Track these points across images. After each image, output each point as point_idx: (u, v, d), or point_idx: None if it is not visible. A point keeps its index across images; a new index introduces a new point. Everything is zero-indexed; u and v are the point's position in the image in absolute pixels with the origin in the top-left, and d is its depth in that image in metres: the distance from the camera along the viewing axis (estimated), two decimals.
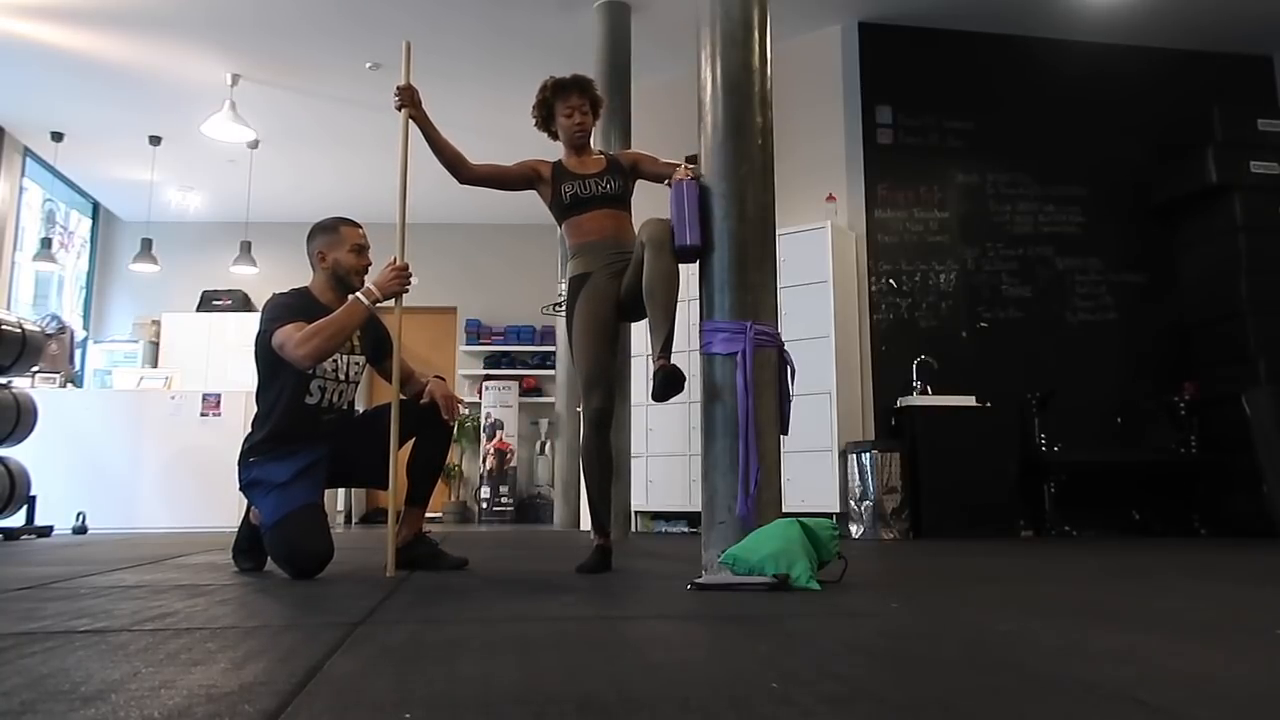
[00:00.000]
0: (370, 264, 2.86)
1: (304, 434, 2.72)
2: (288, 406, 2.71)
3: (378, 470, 2.68)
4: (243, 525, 2.94)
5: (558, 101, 3.05)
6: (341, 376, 2.81)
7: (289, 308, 2.70)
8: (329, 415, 2.79)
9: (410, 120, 2.90)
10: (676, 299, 2.72)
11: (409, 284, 2.71)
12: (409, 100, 2.88)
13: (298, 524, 2.59)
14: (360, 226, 2.90)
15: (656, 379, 2.65)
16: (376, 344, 2.95)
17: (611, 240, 2.96)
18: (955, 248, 6.08)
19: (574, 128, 3.02)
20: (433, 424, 2.85)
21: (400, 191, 2.85)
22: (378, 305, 2.71)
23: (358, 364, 2.87)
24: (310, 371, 2.69)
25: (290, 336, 2.60)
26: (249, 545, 2.88)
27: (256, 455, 2.72)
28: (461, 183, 3.07)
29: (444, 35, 6.31)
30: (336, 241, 2.82)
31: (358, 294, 2.67)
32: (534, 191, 3.12)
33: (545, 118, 3.10)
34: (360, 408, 3.11)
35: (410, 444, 2.87)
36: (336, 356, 2.75)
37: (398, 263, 2.71)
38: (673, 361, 2.67)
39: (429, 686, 1.11)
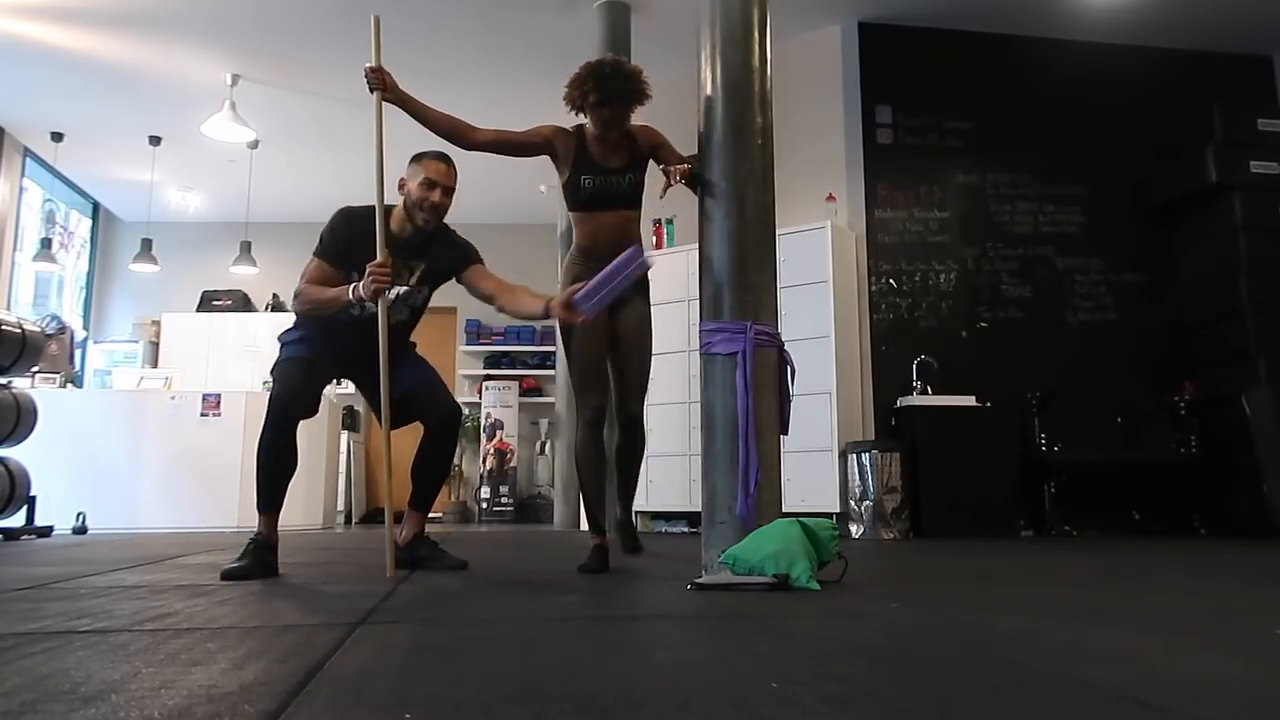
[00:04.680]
0: (440, 203, 2.79)
1: (340, 339, 2.80)
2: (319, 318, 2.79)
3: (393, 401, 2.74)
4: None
5: (595, 110, 2.79)
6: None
7: (336, 238, 2.76)
8: (373, 326, 2.72)
9: (386, 103, 2.74)
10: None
11: (387, 280, 2.63)
12: (380, 83, 2.72)
13: (285, 370, 2.73)
14: (448, 164, 2.83)
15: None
16: (452, 270, 2.89)
17: (622, 247, 2.83)
18: (955, 248, 6.08)
19: (605, 129, 2.82)
20: (443, 428, 2.89)
21: (377, 182, 2.72)
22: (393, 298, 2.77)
23: (406, 292, 2.84)
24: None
25: (302, 282, 2.75)
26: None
27: (286, 335, 2.85)
28: (465, 149, 2.91)
29: (443, 34, 6.31)
30: (415, 171, 2.79)
31: (349, 288, 2.67)
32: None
33: (579, 99, 2.82)
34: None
35: (419, 446, 2.91)
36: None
37: (378, 258, 2.63)
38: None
39: (429, 686, 1.12)
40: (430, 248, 2.86)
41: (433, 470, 2.94)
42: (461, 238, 2.96)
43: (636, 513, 5.95)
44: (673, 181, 2.73)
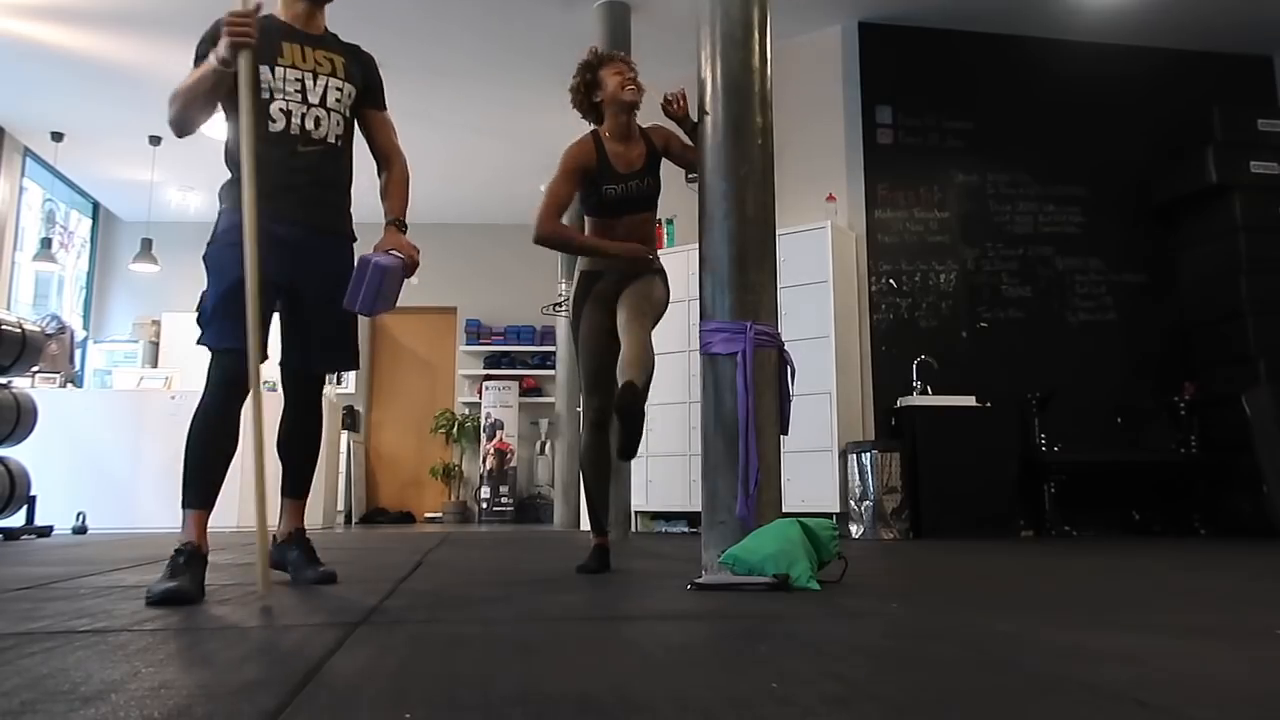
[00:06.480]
0: None
1: (274, 169, 2.29)
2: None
3: (302, 351, 2.37)
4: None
5: (605, 67, 2.87)
6: (313, 99, 2.36)
7: (207, 39, 2.28)
8: (306, 147, 2.35)
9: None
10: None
11: (249, 33, 2.15)
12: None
13: (219, 325, 2.21)
14: None
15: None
16: (369, 86, 2.51)
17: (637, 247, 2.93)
18: (955, 248, 6.08)
19: (627, 89, 2.83)
20: (312, 391, 2.46)
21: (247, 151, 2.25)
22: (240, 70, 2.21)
23: (339, 89, 2.40)
24: (265, 91, 2.30)
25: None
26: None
27: (225, 202, 2.39)
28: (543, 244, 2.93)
29: (443, 34, 6.31)
30: None
31: (210, 57, 2.22)
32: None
33: (589, 87, 2.88)
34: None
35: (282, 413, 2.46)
36: (302, 75, 2.34)
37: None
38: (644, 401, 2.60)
39: (429, 686, 1.11)
40: (343, 47, 2.50)
41: (307, 452, 2.49)
42: (367, 52, 2.57)
43: (636, 512, 5.97)
44: (674, 104, 2.83)
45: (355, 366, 2.52)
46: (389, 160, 2.56)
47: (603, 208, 2.88)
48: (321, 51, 2.42)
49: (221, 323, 2.20)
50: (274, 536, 2.47)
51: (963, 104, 6.25)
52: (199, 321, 2.27)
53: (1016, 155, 6.23)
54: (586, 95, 2.91)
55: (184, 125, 2.35)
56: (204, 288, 2.28)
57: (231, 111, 2.32)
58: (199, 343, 2.25)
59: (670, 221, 6.10)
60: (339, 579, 2.41)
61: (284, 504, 2.49)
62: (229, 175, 2.41)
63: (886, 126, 6.14)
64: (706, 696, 1.05)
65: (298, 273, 2.32)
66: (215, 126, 2.54)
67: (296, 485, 2.50)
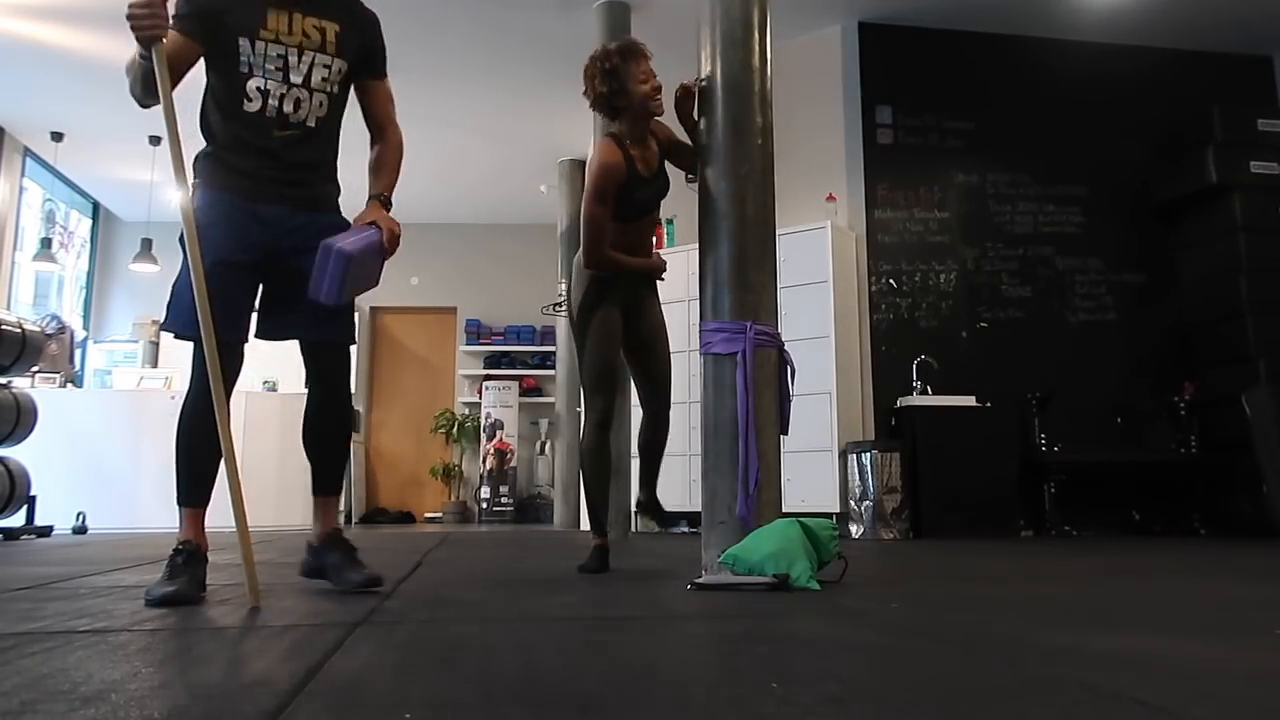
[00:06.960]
0: None
1: (249, 152, 2.15)
2: (220, 117, 2.15)
3: (285, 320, 2.20)
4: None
5: (631, 65, 2.74)
6: (296, 78, 2.16)
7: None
8: (282, 131, 2.18)
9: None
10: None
11: (159, 21, 1.93)
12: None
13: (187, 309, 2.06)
14: None
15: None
16: (367, 55, 2.32)
17: (645, 247, 2.98)
18: (955, 248, 6.08)
19: (654, 94, 2.76)
20: (328, 372, 2.27)
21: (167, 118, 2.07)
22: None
23: (327, 66, 2.21)
24: (244, 66, 2.11)
25: None
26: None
27: (199, 175, 2.18)
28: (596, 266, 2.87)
29: (443, 35, 6.30)
30: None
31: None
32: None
33: (615, 90, 2.74)
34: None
35: (307, 401, 2.29)
36: (285, 50, 2.14)
37: None
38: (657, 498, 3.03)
39: (429, 686, 1.12)
40: (340, 11, 2.25)
41: (329, 433, 2.31)
42: (369, 10, 2.33)
43: (636, 513, 5.95)
44: (693, 89, 2.80)
45: (353, 340, 2.34)
46: (384, 133, 2.41)
47: (629, 215, 2.83)
48: (313, 20, 2.18)
49: (194, 309, 2.03)
50: (309, 542, 2.32)
51: (963, 104, 6.25)
52: (168, 307, 2.16)
53: (1016, 155, 6.23)
54: (610, 100, 2.79)
55: (138, 101, 2.12)
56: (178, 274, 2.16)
57: (208, 72, 2.16)
58: (163, 328, 2.14)
59: (670, 221, 6.09)
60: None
61: (315, 503, 2.29)
62: (204, 145, 2.20)
63: (886, 126, 6.14)
64: (706, 696, 1.05)
65: (283, 247, 2.16)
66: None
67: (326, 481, 2.29)
